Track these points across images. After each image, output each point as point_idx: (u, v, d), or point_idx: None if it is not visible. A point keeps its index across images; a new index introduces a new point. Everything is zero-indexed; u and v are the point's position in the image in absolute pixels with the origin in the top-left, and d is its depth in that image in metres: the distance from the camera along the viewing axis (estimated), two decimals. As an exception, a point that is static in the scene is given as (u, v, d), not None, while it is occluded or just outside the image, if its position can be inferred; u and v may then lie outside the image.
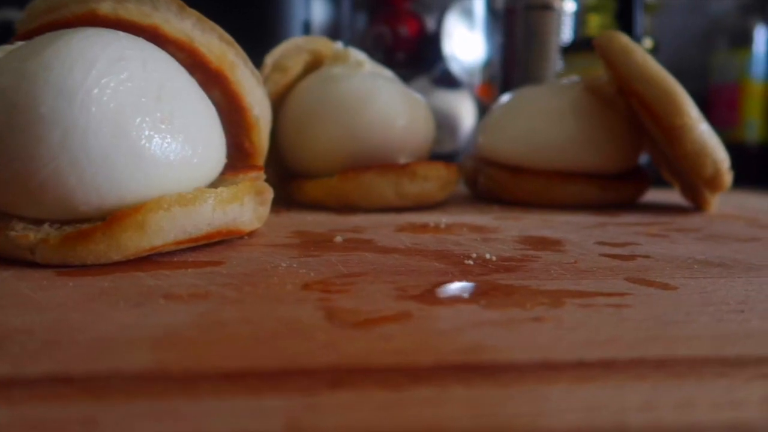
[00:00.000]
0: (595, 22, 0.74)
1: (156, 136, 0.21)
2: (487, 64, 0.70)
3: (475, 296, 0.18)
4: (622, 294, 0.18)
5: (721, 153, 0.33)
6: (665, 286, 0.19)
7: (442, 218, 0.32)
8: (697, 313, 0.17)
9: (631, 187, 0.40)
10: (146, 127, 0.21)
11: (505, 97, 0.43)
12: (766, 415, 0.11)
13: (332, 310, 0.16)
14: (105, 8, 0.24)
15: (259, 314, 0.16)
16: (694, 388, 0.12)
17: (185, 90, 0.23)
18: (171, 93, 0.22)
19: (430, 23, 0.64)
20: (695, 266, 0.22)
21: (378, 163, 0.35)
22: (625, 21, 0.69)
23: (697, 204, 0.39)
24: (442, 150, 0.60)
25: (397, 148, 0.36)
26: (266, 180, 0.26)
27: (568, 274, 0.20)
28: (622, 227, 0.31)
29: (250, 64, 0.28)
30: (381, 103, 0.35)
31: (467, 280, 0.19)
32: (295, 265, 0.21)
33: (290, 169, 0.38)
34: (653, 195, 0.47)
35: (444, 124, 0.62)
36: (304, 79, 0.38)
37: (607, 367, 0.13)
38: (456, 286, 0.19)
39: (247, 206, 0.24)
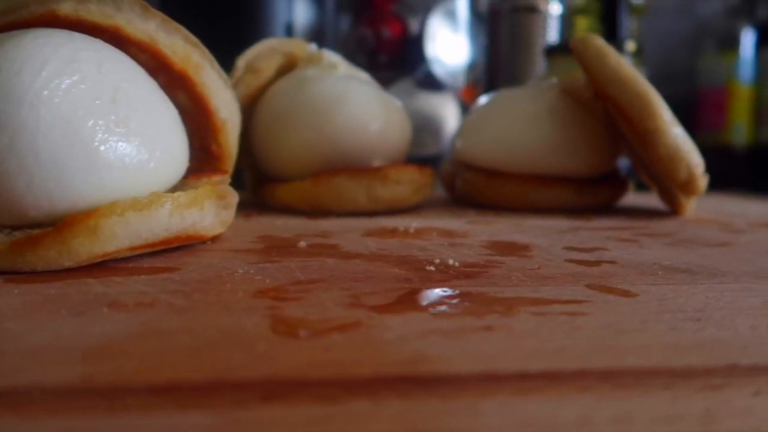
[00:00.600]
0: (582, 24, 0.73)
1: (110, 139, 0.21)
2: (472, 67, 0.70)
3: (429, 304, 0.17)
4: (579, 302, 0.18)
5: (695, 157, 0.33)
6: (626, 293, 0.19)
7: (413, 222, 0.32)
8: (653, 321, 0.16)
9: (608, 191, 0.40)
10: (100, 130, 0.20)
11: (483, 100, 0.43)
12: (704, 430, 0.11)
13: (279, 319, 0.16)
14: (66, 9, 0.24)
15: (202, 323, 0.15)
16: (636, 400, 0.12)
17: (144, 92, 0.23)
18: (127, 95, 0.22)
19: (413, 25, 0.64)
20: (659, 272, 0.22)
21: (351, 166, 0.34)
22: (609, 24, 0.69)
23: (673, 208, 0.39)
24: (425, 153, 0.60)
25: (371, 152, 0.35)
26: (242, 184, 0.26)
27: (529, 280, 0.20)
28: (593, 232, 0.31)
29: (216, 65, 0.27)
30: (354, 106, 0.35)
31: (426, 287, 0.19)
32: (252, 272, 0.21)
33: (264, 172, 0.38)
34: (632, 198, 0.47)
35: (427, 126, 0.62)
36: (277, 82, 0.37)
37: (551, 378, 0.13)
38: (413, 294, 0.18)
39: (208, 211, 0.24)
